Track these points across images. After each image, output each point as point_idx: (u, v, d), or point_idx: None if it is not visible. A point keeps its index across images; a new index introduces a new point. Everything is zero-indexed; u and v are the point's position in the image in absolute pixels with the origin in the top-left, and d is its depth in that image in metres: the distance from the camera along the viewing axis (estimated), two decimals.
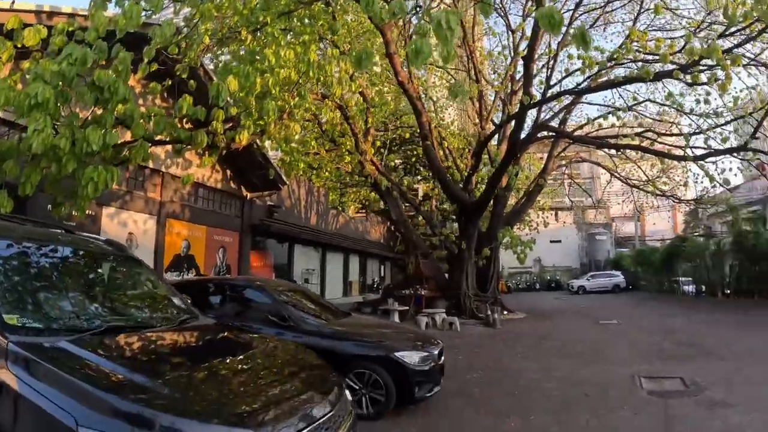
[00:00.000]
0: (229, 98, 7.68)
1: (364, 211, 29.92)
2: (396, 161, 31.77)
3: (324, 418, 3.63)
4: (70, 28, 6.85)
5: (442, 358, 7.76)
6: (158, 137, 8.32)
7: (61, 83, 6.11)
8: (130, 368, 3.37)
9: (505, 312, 21.95)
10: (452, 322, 16.83)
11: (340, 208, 26.41)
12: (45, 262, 4.46)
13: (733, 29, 14.02)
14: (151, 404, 2.97)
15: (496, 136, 22.57)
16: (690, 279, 36.08)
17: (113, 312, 4.47)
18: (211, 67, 12.49)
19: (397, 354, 6.92)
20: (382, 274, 34.46)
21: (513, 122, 17.94)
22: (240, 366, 4.21)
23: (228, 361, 4.20)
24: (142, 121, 7.36)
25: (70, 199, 7.78)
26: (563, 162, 29.33)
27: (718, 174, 19.00)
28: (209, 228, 15.47)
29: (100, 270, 4.93)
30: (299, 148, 14.21)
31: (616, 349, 12.83)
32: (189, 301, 5.46)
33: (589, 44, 4.53)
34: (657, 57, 15.37)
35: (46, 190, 7.74)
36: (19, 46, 6.60)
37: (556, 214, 42.53)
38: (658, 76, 14.02)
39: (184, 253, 14.35)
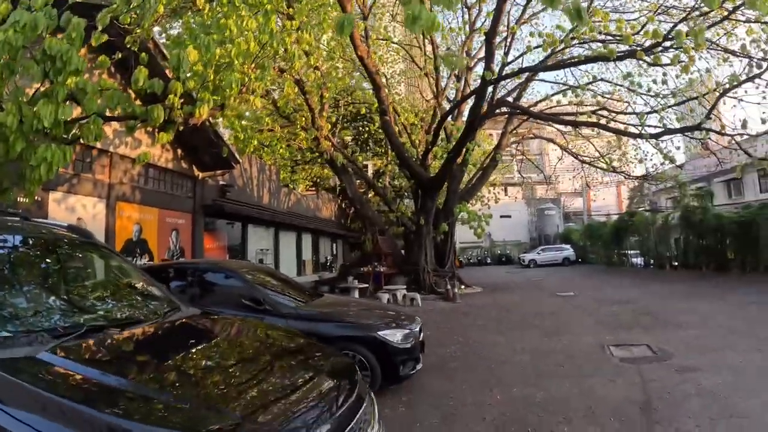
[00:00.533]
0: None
1: (314, 188, 29.60)
2: (346, 138, 31.53)
3: (360, 413, 3.18)
4: None
5: (422, 334, 7.65)
6: (111, 113, 7.77)
7: (6, 54, 5.57)
8: (127, 379, 2.80)
9: (463, 286, 22.16)
10: (413, 298, 16.79)
11: (292, 186, 26.00)
12: (4, 254, 3.77)
13: (695, 13, 14.32)
14: (164, 422, 2.45)
15: (442, 112, 22.63)
16: (638, 252, 37.02)
17: (91, 309, 3.83)
18: (163, 41, 11.90)
19: (381, 333, 6.78)
20: (335, 252, 34.21)
21: (470, 98, 17.89)
22: (248, 361, 3.64)
23: (231, 356, 3.69)
24: (95, 95, 6.81)
25: (18, 184, 7.20)
26: (515, 138, 29.61)
27: (668, 152, 19.68)
28: (161, 210, 14.87)
29: (68, 261, 4.31)
30: (253, 125, 13.78)
31: (578, 320, 13.13)
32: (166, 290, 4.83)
33: (584, 19, 4.36)
34: (616, 37, 15.51)
35: None
36: None
37: (505, 190, 42.97)
38: (622, 56, 14.14)
39: (136, 237, 13.75)
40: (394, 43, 23.53)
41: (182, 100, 8.23)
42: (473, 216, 21.52)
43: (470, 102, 18.84)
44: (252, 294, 7.06)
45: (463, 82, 24.30)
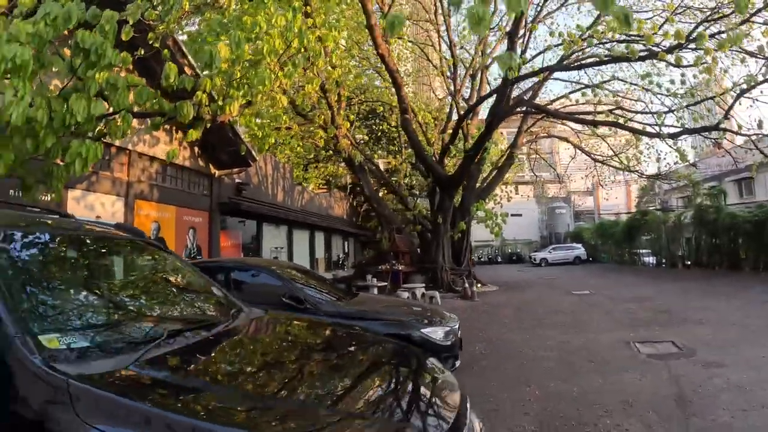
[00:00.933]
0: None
1: (326, 186, 29.58)
2: (358, 136, 31.52)
3: (469, 408, 3.04)
4: None
5: (459, 332, 7.62)
6: (138, 109, 7.67)
7: (36, 47, 5.47)
8: (229, 386, 2.60)
9: (479, 285, 22.01)
10: (433, 297, 16.66)
11: (305, 185, 25.97)
12: (65, 257, 3.44)
13: (715, 16, 14.35)
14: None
15: (458, 111, 22.65)
16: (649, 251, 36.76)
17: (162, 313, 3.58)
18: (181, 38, 11.84)
19: (424, 331, 6.71)
20: (347, 250, 34.19)
21: (489, 97, 17.88)
22: (346, 361, 3.42)
23: (322, 355, 3.45)
24: (126, 91, 6.71)
25: (43, 181, 7.11)
26: (529, 137, 29.55)
27: (683, 151, 19.63)
28: (178, 208, 14.84)
29: (129, 262, 4.01)
30: (270, 123, 13.71)
31: (597, 318, 13.23)
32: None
33: (631, 25, 4.29)
34: (633, 36, 15.44)
35: (12, 171, 6.98)
36: None
37: (516, 188, 42.72)
38: (644, 57, 14.11)
39: (154, 235, 13.67)
40: (411, 41, 23.45)
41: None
42: (490, 215, 21.53)
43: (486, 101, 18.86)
44: (293, 293, 7.00)
45: (478, 80, 24.30)
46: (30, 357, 2.29)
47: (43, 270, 3.21)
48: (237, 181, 18.07)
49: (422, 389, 3.06)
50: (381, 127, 27.93)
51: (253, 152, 15.35)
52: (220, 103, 7.91)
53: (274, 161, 21.85)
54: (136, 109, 7.41)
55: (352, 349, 3.78)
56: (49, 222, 3.70)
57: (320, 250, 28.07)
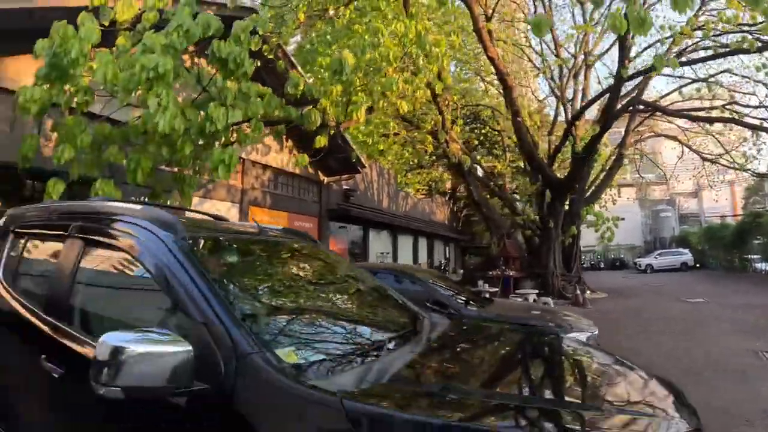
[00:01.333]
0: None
1: (427, 192, 29.57)
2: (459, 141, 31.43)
3: None
4: (161, 5, 6.42)
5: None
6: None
7: (171, 58, 5.61)
8: (490, 391, 2.31)
9: (588, 291, 21.33)
10: (546, 303, 16.24)
11: (409, 190, 26.09)
12: (266, 264, 3.32)
13: None
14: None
15: (565, 112, 22.12)
16: (761, 256, 34.29)
17: (368, 320, 3.22)
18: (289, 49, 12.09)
19: (569, 336, 6.50)
20: (447, 256, 34.03)
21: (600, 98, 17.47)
22: (569, 361, 3.15)
23: (540, 358, 3.22)
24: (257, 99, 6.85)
25: (174, 188, 7.33)
26: (635, 137, 28.39)
27: None
28: (290, 214, 15.21)
29: (319, 268, 3.71)
30: (379, 130, 13.78)
31: (717, 326, 12.60)
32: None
33: None
34: (744, 26, 14.70)
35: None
36: (106, 24, 6.12)
37: (619, 191, 41.02)
38: (762, 48, 13.38)
39: None
40: (514, 44, 23.10)
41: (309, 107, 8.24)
42: (601, 218, 20.79)
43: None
44: (436, 298, 7.01)
45: (582, 79, 23.65)
46: (278, 376, 1.94)
47: (255, 277, 3.03)
48: (345, 187, 18.31)
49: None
50: (483, 131, 27.59)
51: (362, 159, 15.50)
52: (337, 109, 8.00)
53: (378, 167, 22.02)
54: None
55: (565, 349, 3.44)
56: (246, 228, 3.68)
57: (423, 256, 28.09)
